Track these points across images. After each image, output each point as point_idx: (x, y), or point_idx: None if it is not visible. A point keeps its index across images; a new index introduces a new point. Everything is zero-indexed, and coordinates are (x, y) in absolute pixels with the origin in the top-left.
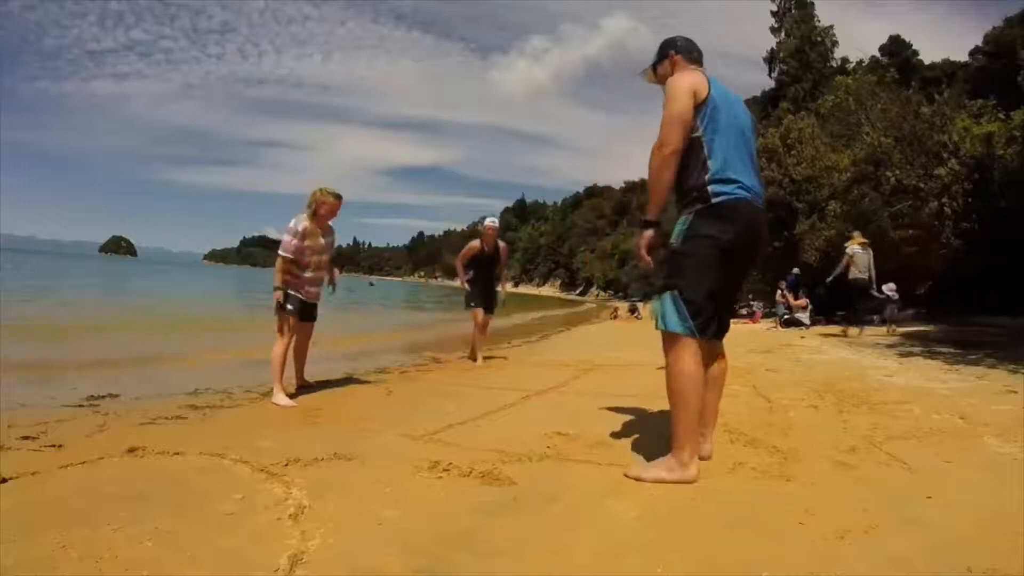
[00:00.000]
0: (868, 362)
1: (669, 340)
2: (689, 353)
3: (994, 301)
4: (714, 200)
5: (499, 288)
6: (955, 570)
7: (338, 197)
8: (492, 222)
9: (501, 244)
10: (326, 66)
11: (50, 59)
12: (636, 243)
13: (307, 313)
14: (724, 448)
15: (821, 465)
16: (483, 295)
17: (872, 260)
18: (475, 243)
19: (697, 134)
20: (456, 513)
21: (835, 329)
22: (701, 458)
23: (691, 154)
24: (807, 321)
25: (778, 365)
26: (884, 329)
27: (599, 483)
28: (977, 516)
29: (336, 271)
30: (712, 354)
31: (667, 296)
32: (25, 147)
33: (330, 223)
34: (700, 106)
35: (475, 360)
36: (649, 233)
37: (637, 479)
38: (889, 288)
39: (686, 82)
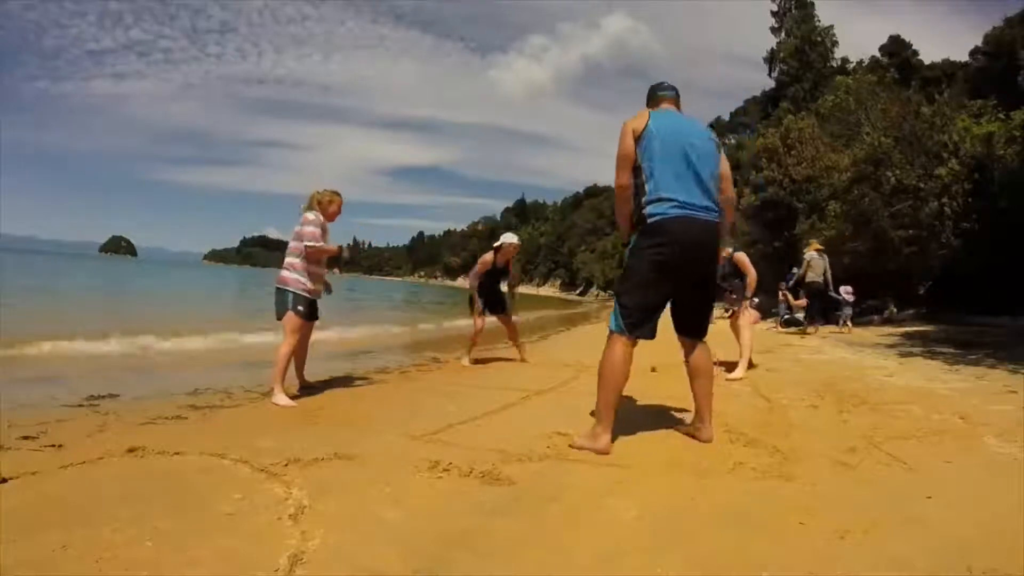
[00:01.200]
0: (868, 362)
1: (609, 335)
2: (617, 347)
3: (994, 301)
4: (648, 220)
5: (505, 289)
6: (955, 570)
7: (340, 195)
8: (515, 240)
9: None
10: (326, 66)
11: (50, 59)
12: None
13: (313, 313)
14: (724, 448)
15: (821, 465)
16: (487, 299)
17: (828, 264)
18: (488, 257)
19: (638, 164)
20: (456, 513)
21: (794, 330)
22: (702, 441)
23: (637, 182)
24: (838, 321)
25: (778, 365)
26: (842, 329)
27: (599, 483)
28: (977, 516)
29: (335, 270)
30: (690, 351)
31: (615, 301)
32: (25, 147)
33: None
34: (638, 140)
35: (467, 361)
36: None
37: (571, 446)
38: (845, 291)
39: (626, 126)
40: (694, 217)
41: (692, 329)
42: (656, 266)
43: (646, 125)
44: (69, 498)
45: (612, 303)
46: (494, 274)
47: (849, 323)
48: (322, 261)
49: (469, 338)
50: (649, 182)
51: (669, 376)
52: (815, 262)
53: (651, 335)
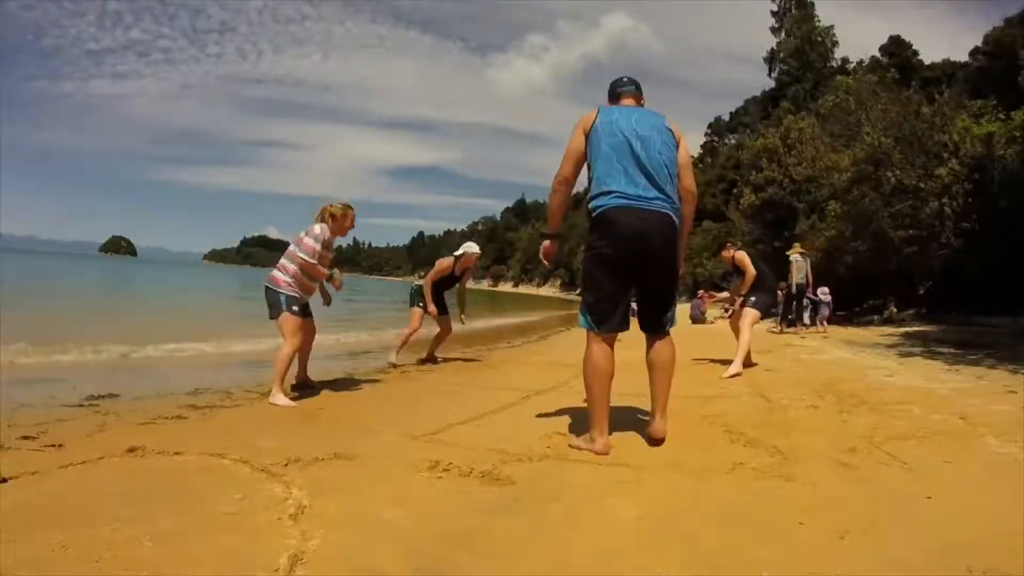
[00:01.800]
0: (868, 362)
1: (586, 335)
2: (592, 345)
3: (994, 301)
4: (593, 214)
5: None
6: (955, 570)
7: (352, 208)
8: (476, 251)
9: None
10: (325, 66)
11: (49, 59)
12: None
13: (307, 310)
14: (724, 448)
15: (821, 465)
16: (435, 301)
17: (809, 267)
18: (447, 263)
19: (588, 160)
20: (456, 513)
21: (790, 329)
22: (653, 437)
23: (588, 177)
24: (807, 321)
25: (778, 365)
26: (820, 329)
27: (599, 483)
28: (977, 516)
29: (337, 275)
30: (650, 345)
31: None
32: (25, 147)
33: None
34: (587, 136)
35: (394, 358)
36: (545, 243)
37: (570, 446)
38: (823, 292)
39: (577, 124)
40: (636, 207)
41: (649, 322)
42: (603, 258)
43: (594, 121)
44: (69, 498)
45: None
46: (449, 281)
47: (825, 324)
48: (313, 276)
49: (403, 336)
50: (594, 178)
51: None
52: (799, 264)
53: (623, 326)
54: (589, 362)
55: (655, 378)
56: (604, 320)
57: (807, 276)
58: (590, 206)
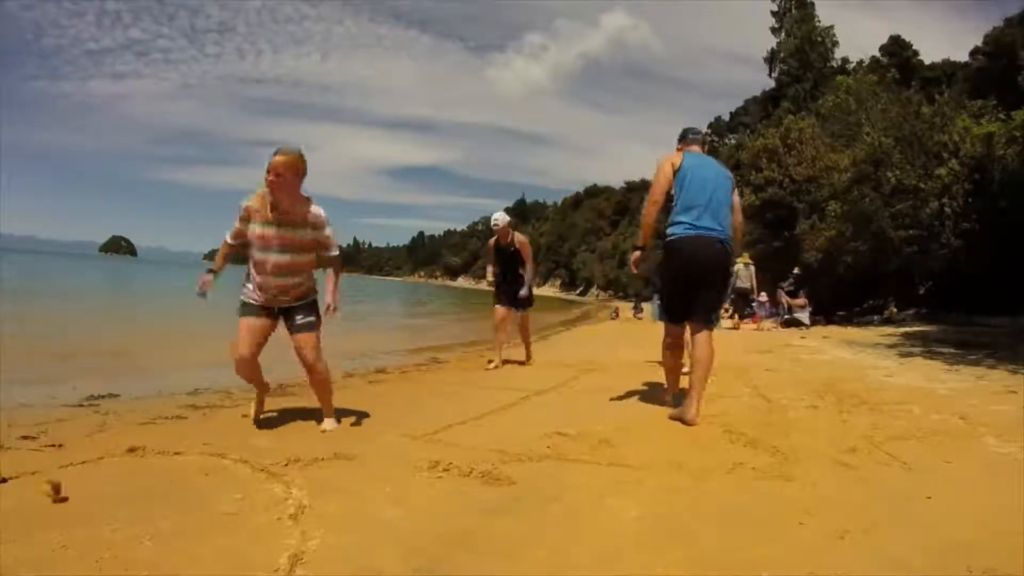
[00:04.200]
0: (868, 362)
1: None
2: (666, 331)
3: (994, 301)
4: (668, 238)
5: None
6: (955, 570)
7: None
8: (498, 218)
9: (519, 238)
10: (324, 65)
11: (48, 58)
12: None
13: (265, 311)
14: (724, 448)
15: (821, 465)
16: (500, 287)
17: (754, 274)
18: (490, 242)
19: (672, 192)
20: (456, 513)
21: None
22: (686, 422)
23: (669, 207)
24: (807, 321)
25: (778, 365)
26: (759, 327)
27: (599, 483)
28: (977, 516)
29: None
30: (694, 332)
31: (655, 298)
32: (25, 147)
33: None
34: (676, 173)
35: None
36: (636, 254)
37: (670, 418)
38: (762, 297)
39: (665, 160)
40: (701, 236)
41: (699, 316)
42: (670, 271)
43: (681, 162)
44: (69, 498)
45: (611, 303)
46: (507, 262)
47: (765, 324)
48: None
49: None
50: (673, 210)
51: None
52: (742, 272)
53: (684, 319)
54: (664, 347)
55: (693, 370)
56: (672, 315)
57: (751, 282)
58: (667, 232)
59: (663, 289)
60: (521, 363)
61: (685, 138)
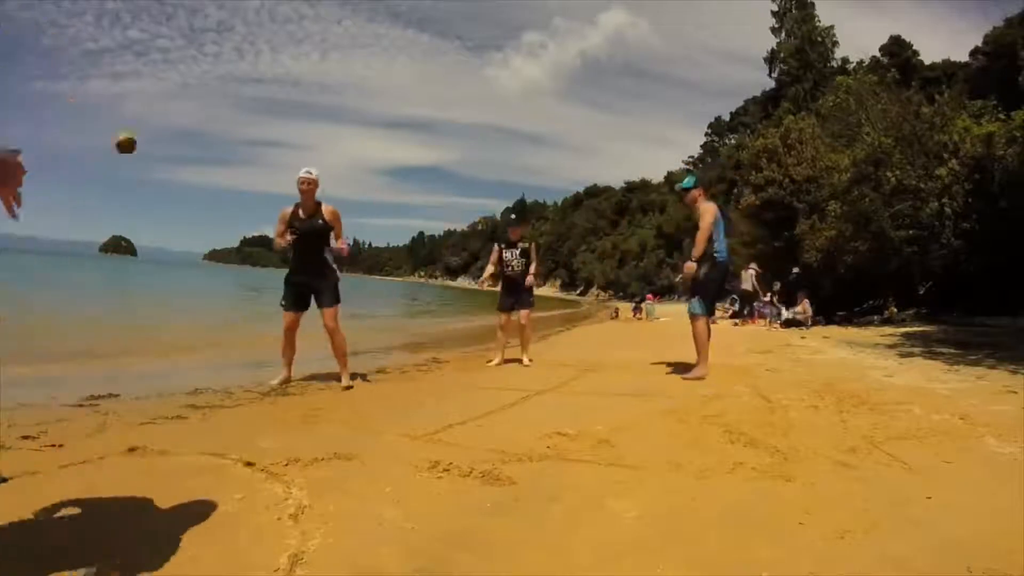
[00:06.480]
0: (868, 362)
1: (695, 317)
2: (701, 322)
3: (994, 301)
4: (717, 259)
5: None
6: (955, 570)
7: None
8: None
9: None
10: (323, 65)
11: (47, 58)
12: (684, 266)
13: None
14: (724, 448)
15: (821, 465)
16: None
17: (754, 276)
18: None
19: (712, 231)
20: (456, 513)
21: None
22: (697, 378)
23: (711, 237)
24: (808, 323)
25: (778, 365)
26: (737, 323)
27: (599, 483)
28: (977, 516)
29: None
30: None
31: (696, 298)
32: (23, 147)
33: None
34: (714, 220)
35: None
36: (691, 264)
37: (683, 379)
38: (766, 298)
39: (712, 208)
40: (725, 258)
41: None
42: (715, 280)
43: (716, 213)
44: (69, 498)
45: (611, 304)
46: (516, 263)
47: (761, 322)
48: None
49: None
50: (716, 240)
51: (672, 380)
52: (744, 275)
53: (712, 312)
54: (699, 331)
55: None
56: (710, 312)
57: (753, 285)
58: (713, 253)
59: (707, 291)
60: (521, 363)
61: (707, 190)
